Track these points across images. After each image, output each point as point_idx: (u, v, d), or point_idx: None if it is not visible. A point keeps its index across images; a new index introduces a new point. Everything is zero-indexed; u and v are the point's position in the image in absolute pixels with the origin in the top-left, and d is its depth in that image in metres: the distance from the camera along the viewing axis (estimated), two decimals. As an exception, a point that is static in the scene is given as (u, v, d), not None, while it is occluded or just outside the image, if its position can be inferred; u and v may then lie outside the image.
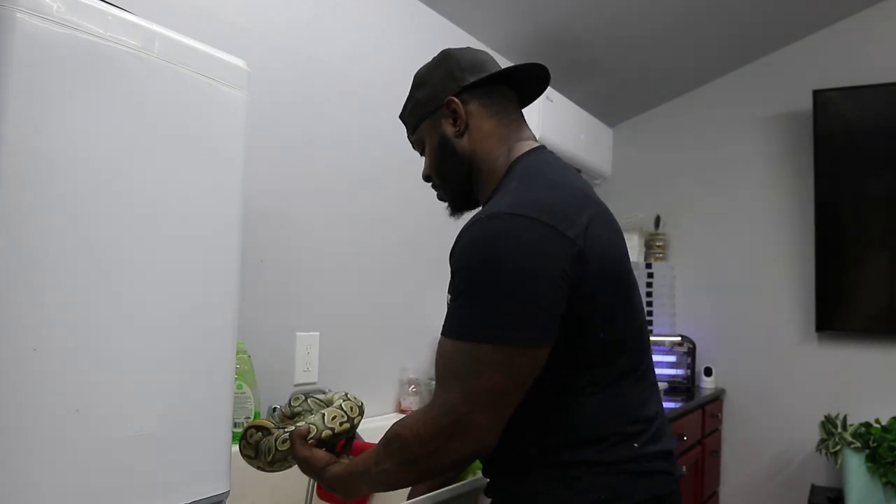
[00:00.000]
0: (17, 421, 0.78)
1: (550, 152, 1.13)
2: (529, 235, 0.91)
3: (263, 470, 1.12)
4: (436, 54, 1.17)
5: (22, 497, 0.78)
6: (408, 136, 1.21)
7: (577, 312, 0.94)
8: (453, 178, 1.15)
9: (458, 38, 2.40)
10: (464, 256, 0.95)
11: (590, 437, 0.97)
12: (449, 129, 1.12)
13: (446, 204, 1.20)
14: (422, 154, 1.20)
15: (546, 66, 1.15)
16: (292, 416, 1.18)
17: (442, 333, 0.96)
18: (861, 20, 3.08)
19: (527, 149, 1.10)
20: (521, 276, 0.90)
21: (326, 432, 1.07)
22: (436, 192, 1.21)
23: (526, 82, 1.18)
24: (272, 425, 1.13)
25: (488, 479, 1.07)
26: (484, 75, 1.12)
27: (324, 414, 1.10)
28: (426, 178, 1.20)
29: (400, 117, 1.21)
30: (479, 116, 1.11)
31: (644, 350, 1.07)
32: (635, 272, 1.07)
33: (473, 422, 0.92)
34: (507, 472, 1.03)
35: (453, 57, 1.14)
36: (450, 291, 0.97)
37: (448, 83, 1.12)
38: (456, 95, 1.11)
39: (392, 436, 0.98)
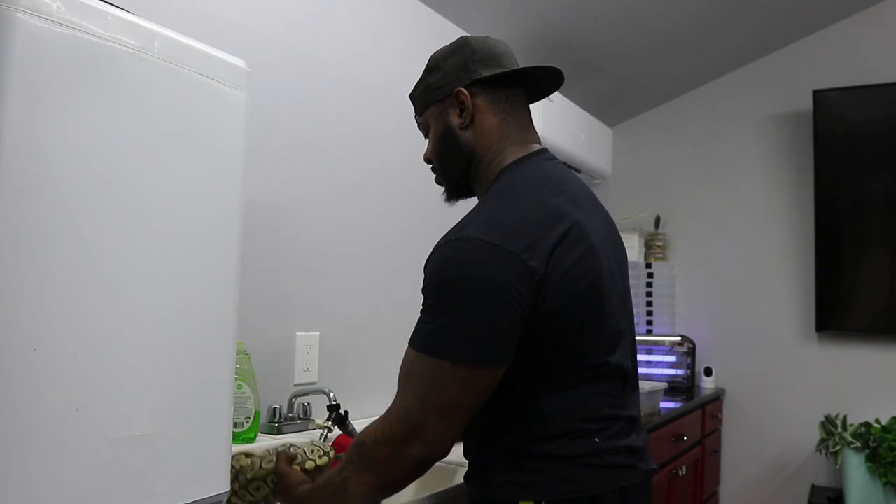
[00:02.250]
0: (17, 421, 0.78)
1: (542, 158, 1.13)
2: (491, 263, 0.95)
3: (236, 493, 1.14)
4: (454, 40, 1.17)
5: (22, 497, 0.78)
6: (415, 117, 1.22)
7: (539, 333, 0.98)
8: (454, 168, 1.17)
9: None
10: (431, 274, 1.00)
11: (552, 433, 1.01)
12: (455, 120, 1.13)
13: (442, 189, 1.22)
14: (426, 136, 1.21)
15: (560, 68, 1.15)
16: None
17: (409, 342, 1.00)
18: (861, 20, 3.08)
19: (521, 154, 1.11)
20: (480, 301, 0.95)
21: (310, 463, 1.13)
22: (434, 176, 1.23)
23: (538, 82, 1.18)
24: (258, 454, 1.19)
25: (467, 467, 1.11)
26: (498, 71, 1.12)
27: (304, 449, 1.17)
28: (427, 160, 1.22)
29: (410, 96, 1.22)
30: (485, 112, 1.12)
31: (619, 353, 1.07)
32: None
33: (429, 427, 0.97)
34: (481, 462, 1.07)
35: (470, 46, 1.14)
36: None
37: (461, 73, 1.12)
38: (466, 87, 1.11)
39: (355, 442, 1.03)
